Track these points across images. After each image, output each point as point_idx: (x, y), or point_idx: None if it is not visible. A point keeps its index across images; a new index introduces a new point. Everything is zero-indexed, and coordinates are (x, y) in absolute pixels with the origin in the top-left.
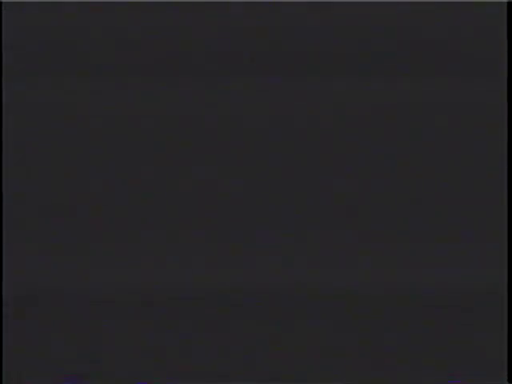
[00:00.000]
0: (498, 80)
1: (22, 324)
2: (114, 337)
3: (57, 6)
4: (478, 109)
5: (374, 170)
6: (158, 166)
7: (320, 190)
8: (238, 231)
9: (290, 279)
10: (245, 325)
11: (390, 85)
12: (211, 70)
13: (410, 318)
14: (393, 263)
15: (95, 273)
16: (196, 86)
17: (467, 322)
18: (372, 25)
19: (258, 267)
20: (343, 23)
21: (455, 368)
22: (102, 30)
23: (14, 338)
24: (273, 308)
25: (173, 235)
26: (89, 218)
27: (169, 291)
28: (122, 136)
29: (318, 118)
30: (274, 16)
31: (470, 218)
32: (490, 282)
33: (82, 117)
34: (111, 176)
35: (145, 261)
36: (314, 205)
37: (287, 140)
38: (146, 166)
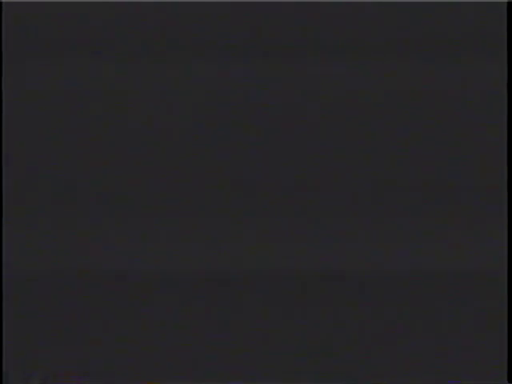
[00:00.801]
0: (497, 80)
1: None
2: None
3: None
4: (477, 109)
5: (374, 155)
6: (158, 152)
7: (319, 178)
8: (236, 216)
9: (291, 262)
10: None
11: (388, 85)
12: (211, 53)
13: (407, 306)
14: (392, 247)
15: (95, 257)
16: (196, 69)
17: (467, 313)
18: (370, 24)
19: (258, 251)
20: (344, 14)
21: (454, 362)
22: (103, 18)
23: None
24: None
25: (173, 220)
26: (88, 203)
27: (168, 275)
28: (121, 121)
29: (318, 103)
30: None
31: (469, 203)
32: (490, 269)
33: (83, 102)
34: (111, 160)
35: (145, 245)
36: (314, 189)
37: (286, 123)
38: (147, 152)
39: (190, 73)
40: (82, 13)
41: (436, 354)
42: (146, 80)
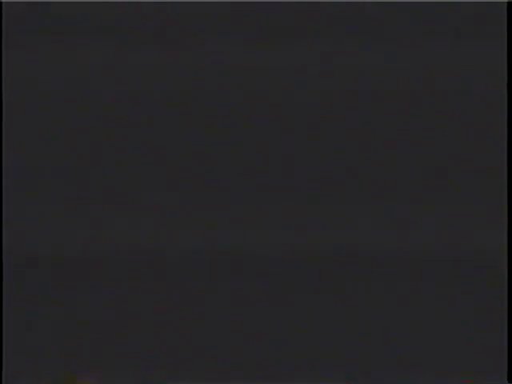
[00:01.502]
0: (497, 81)
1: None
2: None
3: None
4: (477, 110)
5: (373, 130)
6: (160, 131)
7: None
8: (236, 193)
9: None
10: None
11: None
12: (210, 35)
13: (405, 286)
14: (391, 224)
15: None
16: (195, 51)
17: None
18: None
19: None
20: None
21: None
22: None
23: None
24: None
25: (172, 196)
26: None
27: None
28: (122, 100)
29: (318, 80)
30: None
31: (469, 178)
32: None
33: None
34: (111, 138)
35: (145, 222)
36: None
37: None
38: (149, 131)
39: (189, 58)
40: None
41: (434, 336)
42: (148, 65)
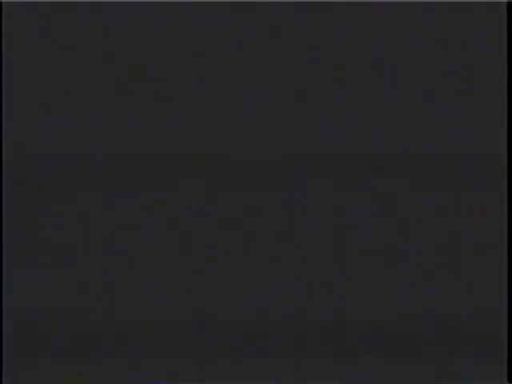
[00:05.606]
0: (497, 81)
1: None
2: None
3: None
4: (478, 113)
5: (374, 66)
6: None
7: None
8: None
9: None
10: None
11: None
12: None
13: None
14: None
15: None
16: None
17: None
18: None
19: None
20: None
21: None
22: None
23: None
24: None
25: (172, 109)
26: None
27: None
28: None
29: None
30: None
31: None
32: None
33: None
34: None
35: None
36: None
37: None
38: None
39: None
40: None
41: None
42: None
